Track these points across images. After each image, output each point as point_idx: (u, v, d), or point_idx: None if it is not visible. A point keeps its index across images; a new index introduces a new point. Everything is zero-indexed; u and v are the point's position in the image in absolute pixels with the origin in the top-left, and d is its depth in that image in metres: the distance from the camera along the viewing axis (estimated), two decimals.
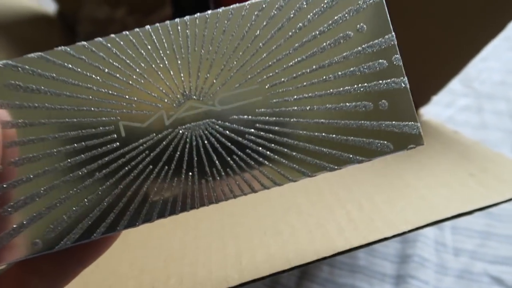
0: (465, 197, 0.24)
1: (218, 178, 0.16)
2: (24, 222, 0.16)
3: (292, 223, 0.26)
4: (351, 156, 0.17)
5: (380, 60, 0.17)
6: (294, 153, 0.17)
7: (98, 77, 0.16)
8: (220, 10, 0.16)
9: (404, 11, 0.37)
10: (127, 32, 0.16)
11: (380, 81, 0.17)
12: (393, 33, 0.17)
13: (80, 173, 0.16)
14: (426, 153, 0.31)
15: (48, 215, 0.16)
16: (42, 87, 0.16)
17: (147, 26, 0.16)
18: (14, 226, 0.15)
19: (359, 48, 0.17)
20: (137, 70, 0.16)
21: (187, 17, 0.16)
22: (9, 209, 0.15)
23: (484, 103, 0.51)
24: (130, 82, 0.16)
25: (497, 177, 0.25)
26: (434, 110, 0.50)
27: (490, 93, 0.52)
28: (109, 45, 0.16)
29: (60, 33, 0.48)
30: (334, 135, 0.17)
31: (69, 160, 0.16)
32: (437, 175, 0.27)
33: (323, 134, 0.17)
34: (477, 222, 0.42)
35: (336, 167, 0.17)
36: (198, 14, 0.16)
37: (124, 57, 0.16)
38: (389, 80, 0.17)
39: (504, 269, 0.39)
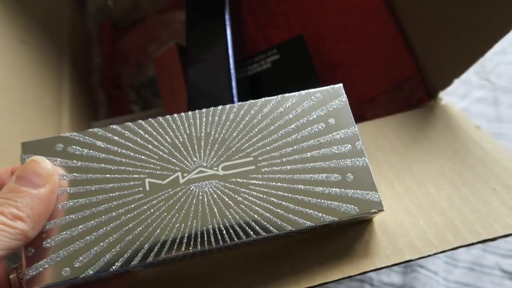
0: (489, 218, 0.23)
1: (216, 226, 0.21)
2: (60, 253, 0.20)
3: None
4: (324, 215, 0.21)
5: (346, 144, 0.22)
6: (278, 210, 0.21)
7: (135, 146, 0.22)
8: (227, 106, 0.22)
9: None
10: (160, 117, 0.22)
11: (347, 160, 0.22)
12: (356, 126, 0.23)
13: (110, 215, 0.21)
14: (445, 153, 0.30)
15: (80, 249, 0.20)
16: (94, 152, 0.22)
17: (175, 114, 0.22)
18: (52, 255, 0.20)
19: (329, 135, 0.22)
20: (165, 143, 0.22)
21: (203, 109, 0.22)
22: (51, 242, 0.20)
23: (500, 96, 0.50)
24: (158, 151, 0.22)
25: None
26: (449, 101, 0.49)
27: (507, 87, 0.51)
28: (146, 125, 0.22)
29: None
30: (310, 198, 0.21)
31: (104, 206, 0.21)
32: (458, 186, 0.26)
33: (302, 197, 0.21)
34: None
35: (312, 224, 0.21)
36: (212, 107, 0.23)
37: (156, 133, 0.22)
38: (353, 159, 0.22)
39: None
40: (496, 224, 0.23)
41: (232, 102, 0.30)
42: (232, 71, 0.31)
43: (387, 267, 0.22)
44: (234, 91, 0.30)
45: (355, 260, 0.23)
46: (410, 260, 0.22)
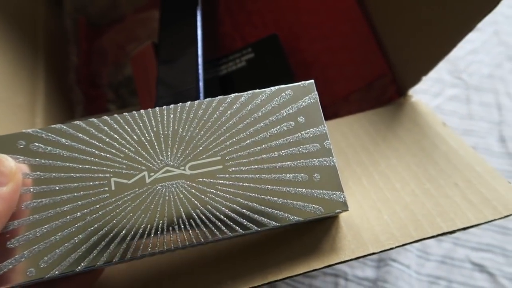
0: (450, 213, 0.24)
1: (182, 227, 0.21)
2: (25, 253, 0.20)
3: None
4: (289, 215, 0.21)
5: (315, 144, 0.22)
6: (244, 211, 0.21)
7: (100, 144, 0.21)
8: (196, 102, 0.22)
9: None
10: (126, 113, 0.22)
11: (314, 159, 0.22)
12: (325, 125, 0.23)
13: (75, 215, 0.20)
14: (412, 150, 0.31)
15: (44, 249, 0.20)
16: (57, 150, 0.21)
17: (142, 110, 0.22)
18: (17, 256, 0.19)
19: (298, 134, 0.22)
20: (131, 141, 0.21)
21: (171, 105, 0.22)
22: (15, 242, 0.20)
23: (472, 94, 0.52)
24: (124, 149, 0.21)
25: (480, 193, 0.25)
26: (423, 99, 0.51)
27: (478, 86, 0.53)
28: (111, 121, 0.21)
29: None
30: (276, 198, 0.21)
31: (68, 206, 0.20)
32: (423, 181, 0.27)
33: (268, 197, 0.21)
34: None
35: (278, 224, 0.21)
36: (180, 104, 0.22)
37: (121, 131, 0.21)
38: (321, 159, 0.22)
39: (486, 256, 0.40)
40: (456, 218, 0.24)
41: None
42: (200, 71, 0.31)
43: (351, 260, 0.23)
44: (201, 90, 0.30)
45: (321, 255, 0.23)
46: (373, 253, 0.23)
